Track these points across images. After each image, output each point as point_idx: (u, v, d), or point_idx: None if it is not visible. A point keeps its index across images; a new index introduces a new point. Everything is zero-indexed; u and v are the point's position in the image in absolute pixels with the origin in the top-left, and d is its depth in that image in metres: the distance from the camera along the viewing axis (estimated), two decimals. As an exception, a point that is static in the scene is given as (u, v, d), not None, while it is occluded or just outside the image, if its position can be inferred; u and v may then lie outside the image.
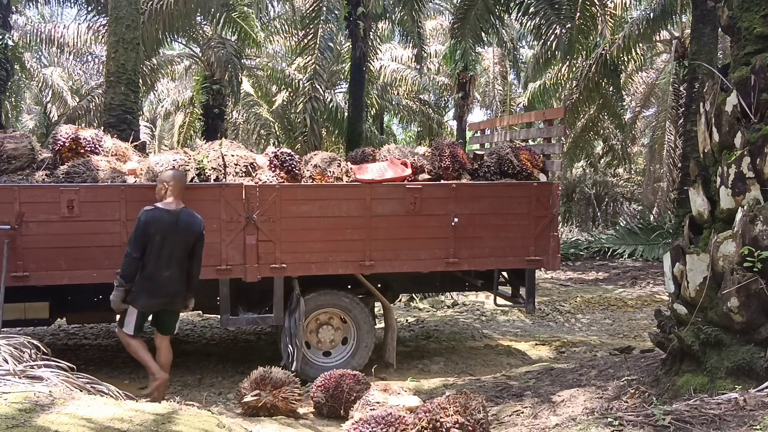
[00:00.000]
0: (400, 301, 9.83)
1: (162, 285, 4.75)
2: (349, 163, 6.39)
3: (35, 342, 4.12)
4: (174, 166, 5.54)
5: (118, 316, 4.97)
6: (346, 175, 6.09)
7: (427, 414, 3.72)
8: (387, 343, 6.54)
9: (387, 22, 19.66)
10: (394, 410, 3.96)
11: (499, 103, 23.97)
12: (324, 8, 14.50)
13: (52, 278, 5.54)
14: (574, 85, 17.09)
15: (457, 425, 3.60)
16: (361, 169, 6.22)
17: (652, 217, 18.79)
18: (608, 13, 14.86)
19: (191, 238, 4.79)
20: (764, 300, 3.74)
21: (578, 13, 12.74)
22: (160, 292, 4.77)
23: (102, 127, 8.22)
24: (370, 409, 4.28)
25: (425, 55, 17.43)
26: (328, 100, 18.78)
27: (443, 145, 6.48)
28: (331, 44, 15.54)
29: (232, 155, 5.96)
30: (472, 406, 3.73)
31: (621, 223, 18.09)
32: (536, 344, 7.78)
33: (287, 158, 6.02)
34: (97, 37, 16.08)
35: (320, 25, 14.58)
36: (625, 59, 16.33)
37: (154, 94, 24.61)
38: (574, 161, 20.55)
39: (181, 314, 9.02)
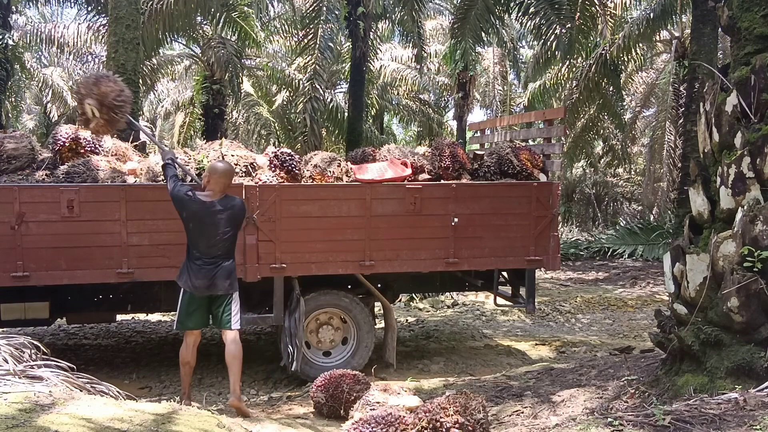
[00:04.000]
0: (400, 301, 9.83)
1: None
2: (349, 163, 6.38)
3: (35, 342, 4.12)
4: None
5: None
6: (346, 175, 6.09)
7: (427, 414, 3.72)
8: (387, 343, 6.54)
9: (387, 22, 19.66)
10: (394, 410, 3.96)
11: (499, 103, 23.97)
12: (324, 8, 14.50)
13: (52, 278, 5.54)
14: (574, 85, 17.09)
15: (457, 425, 3.60)
16: (361, 169, 6.22)
17: (652, 217, 18.79)
18: (608, 13, 14.88)
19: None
20: (764, 300, 3.74)
21: (578, 13, 12.75)
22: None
23: (102, 127, 8.21)
24: (370, 409, 4.28)
25: (425, 55, 17.42)
26: (328, 100, 18.77)
27: (443, 145, 6.48)
28: (331, 44, 15.54)
29: (232, 155, 5.96)
30: (472, 406, 3.73)
31: (621, 223, 18.09)
32: (536, 344, 7.78)
33: (287, 158, 6.02)
34: (97, 37, 16.08)
35: (320, 25, 14.58)
36: (625, 59, 16.33)
37: (154, 94, 24.62)
38: (574, 161, 20.55)
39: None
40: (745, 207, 3.87)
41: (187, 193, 4.65)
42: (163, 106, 26.11)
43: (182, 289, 4.76)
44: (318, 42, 14.60)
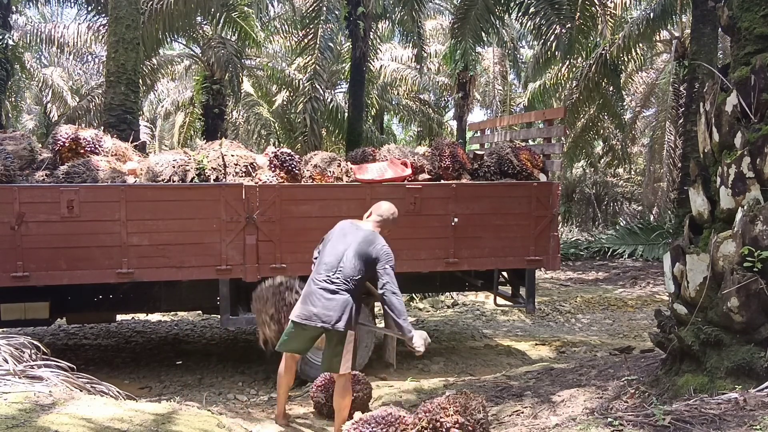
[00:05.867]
0: (400, 301, 9.80)
1: None
2: (349, 163, 6.38)
3: (35, 342, 4.13)
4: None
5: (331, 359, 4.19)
6: (346, 175, 6.09)
7: (427, 414, 3.72)
8: (387, 343, 6.54)
9: (387, 22, 19.67)
10: (394, 410, 3.96)
11: (499, 103, 23.95)
12: (324, 8, 14.51)
13: (52, 278, 5.54)
14: (574, 85, 17.09)
15: (457, 425, 3.59)
16: (361, 169, 6.22)
17: (652, 217, 18.78)
18: (608, 13, 14.88)
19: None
20: (764, 300, 3.74)
21: (578, 13, 12.74)
22: None
23: (102, 127, 8.23)
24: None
25: (425, 55, 17.42)
26: (328, 100, 18.77)
27: (443, 145, 6.48)
28: (331, 44, 15.54)
29: (232, 155, 5.96)
30: (472, 406, 3.73)
31: (621, 223, 18.08)
32: (536, 344, 7.78)
33: (287, 158, 6.02)
34: (97, 37, 16.08)
35: (320, 25, 14.59)
36: (625, 59, 16.33)
37: (154, 94, 24.62)
38: (574, 161, 20.54)
39: (181, 314, 9.11)
40: (745, 207, 3.87)
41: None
42: (163, 106, 26.10)
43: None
44: (318, 42, 14.61)
